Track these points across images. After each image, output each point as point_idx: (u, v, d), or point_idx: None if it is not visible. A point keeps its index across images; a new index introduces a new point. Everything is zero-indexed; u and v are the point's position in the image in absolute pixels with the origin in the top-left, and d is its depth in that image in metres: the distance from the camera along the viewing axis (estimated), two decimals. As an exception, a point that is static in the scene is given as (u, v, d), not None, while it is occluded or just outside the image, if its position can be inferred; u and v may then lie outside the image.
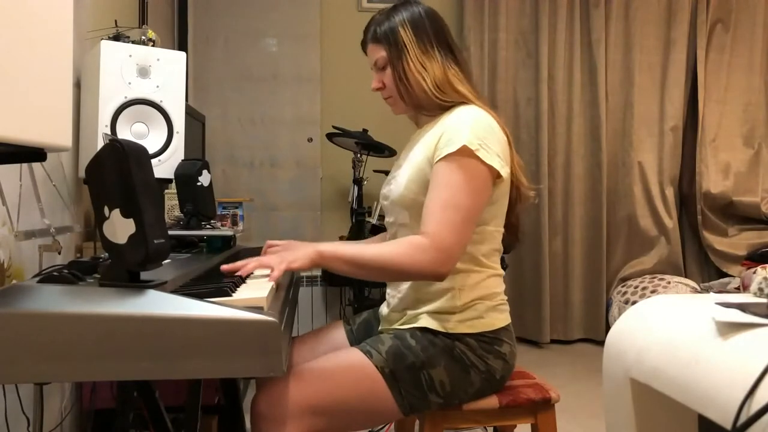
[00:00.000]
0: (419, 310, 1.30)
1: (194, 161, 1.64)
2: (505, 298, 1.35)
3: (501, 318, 1.31)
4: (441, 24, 1.35)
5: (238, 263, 1.14)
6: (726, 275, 3.63)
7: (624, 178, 3.72)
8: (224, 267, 1.13)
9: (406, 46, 1.30)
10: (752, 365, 0.66)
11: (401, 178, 1.32)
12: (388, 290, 1.42)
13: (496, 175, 1.23)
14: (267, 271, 1.23)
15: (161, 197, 1.80)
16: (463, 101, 1.30)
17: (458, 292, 1.27)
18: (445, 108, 1.32)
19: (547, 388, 1.36)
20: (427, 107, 1.33)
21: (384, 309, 1.45)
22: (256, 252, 1.69)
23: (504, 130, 1.29)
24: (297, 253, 1.15)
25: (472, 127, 1.22)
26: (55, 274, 0.90)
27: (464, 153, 1.19)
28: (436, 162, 1.22)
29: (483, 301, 1.29)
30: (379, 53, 1.34)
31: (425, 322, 1.27)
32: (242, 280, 1.12)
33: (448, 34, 1.35)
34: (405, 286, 1.34)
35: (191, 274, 1.15)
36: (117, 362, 0.79)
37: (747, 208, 3.68)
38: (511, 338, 1.33)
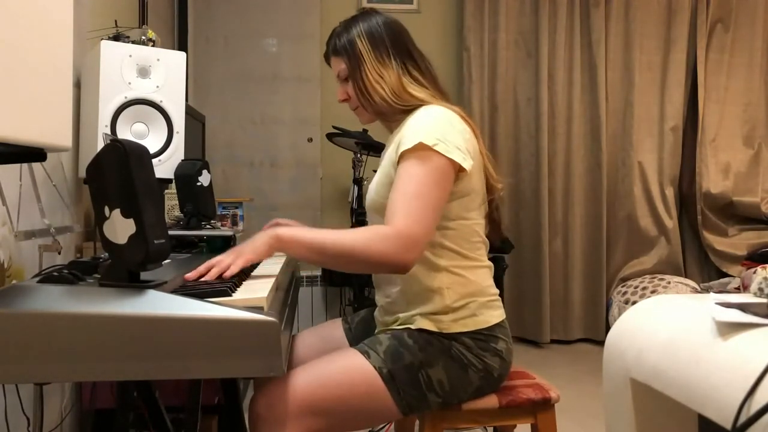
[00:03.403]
0: (411, 313, 1.30)
1: (194, 161, 1.64)
2: (497, 292, 1.35)
3: (495, 315, 1.31)
4: (399, 32, 1.38)
5: (201, 269, 1.09)
6: (726, 275, 3.63)
7: (624, 178, 3.72)
8: (188, 276, 1.06)
9: (362, 57, 1.34)
10: (752, 365, 0.66)
11: (373, 184, 1.35)
12: (377, 296, 1.42)
13: (459, 168, 1.23)
14: (268, 271, 1.24)
15: (161, 197, 1.80)
16: (423, 104, 1.32)
17: (447, 291, 1.27)
18: (407, 112, 1.34)
19: (547, 388, 1.36)
20: (389, 114, 1.36)
21: (377, 313, 1.45)
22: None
23: (468, 122, 1.31)
24: (255, 243, 1.14)
25: (428, 126, 1.23)
26: (55, 274, 0.90)
27: (421, 148, 1.20)
28: (399, 161, 1.23)
29: (475, 298, 1.29)
30: (340, 65, 1.38)
31: (420, 323, 1.27)
32: (242, 280, 1.12)
33: (409, 41, 1.39)
34: (394, 289, 1.33)
35: (191, 274, 1.14)
36: (117, 362, 0.79)
37: (747, 208, 3.68)
38: (507, 335, 1.33)
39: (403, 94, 1.32)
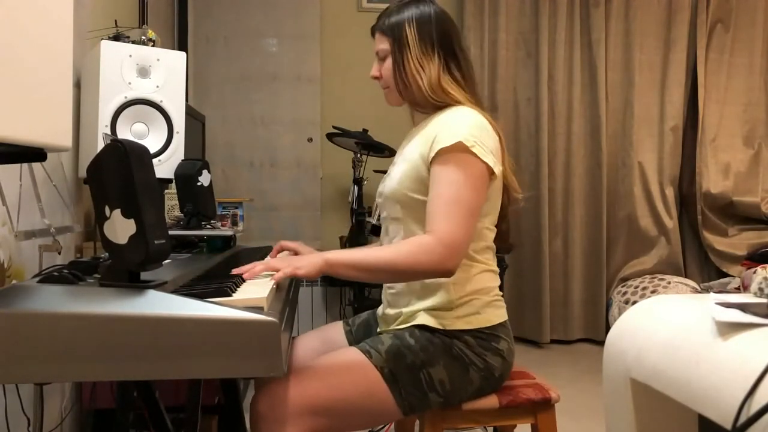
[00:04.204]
0: (414, 308, 1.31)
1: (194, 161, 1.64)
2: (501, 294, 1.36)
3: (498, 314, 1.32)
4: (448, 27, 1.37)
5: (246, 266, 1.14)
6: (726, 275, 3.63)
7: (624, 178, 3.72)
8: (235, 270, 1.14)
9: (408, 44, 1.34)
10: (752, 365, 0.66)
11: (395, 174, 1.35)
12: (382, 289, 1.43)
13: (490, 172, 1.24)
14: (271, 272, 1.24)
15: (161, 197, 1.80)
16: (455, 103, 1.33)
17: (452, 287, 1.28)
18: (438, 108, 1.35)
19: (547, 388, 1.36)
20: (421, 104, 1.37)
21: (380, 309, 1.46)
22: (256, 251, 1.69)
23: (497, 131, 1.32)
24: (304, 260, 1.15)
25: (467, 125, 1.25)
26: (55, 274, 0.90)
27: (460, 149, 1.21)
28: (434, 160, 1.23)
29: (479, 297, 1.30)
30: (383, 44, 1.38)
31: (422, 319, 1.28)
32: (242, 280, 1.12)
33: (455, 38, 1.38)
34: (400, 282, 1.35)
35: (191, 274, 1.15)
36: (117, 362, 0.79)
37: (747, 208, 3.68)
38: (509, 335, 1.33)
39: (438, 90, 1.33)
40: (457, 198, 1.19)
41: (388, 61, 1.37)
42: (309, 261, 1.14)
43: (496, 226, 1.38)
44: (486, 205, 1.29)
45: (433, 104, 1.34)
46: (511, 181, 1.36)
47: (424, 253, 1.16)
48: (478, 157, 1.21)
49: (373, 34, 1.42)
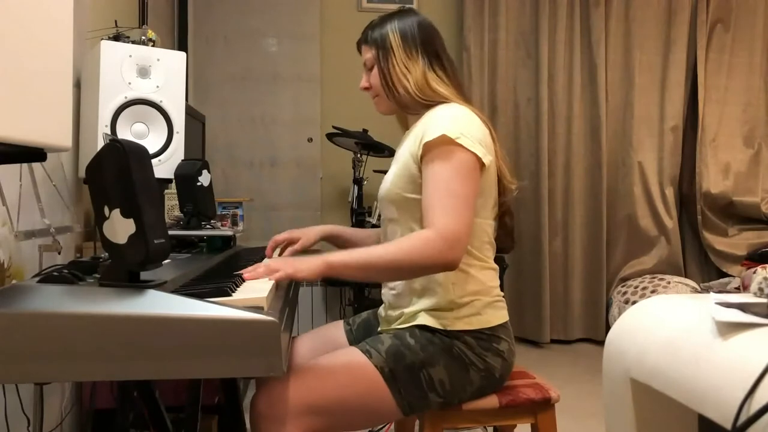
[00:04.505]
0: (415, 308, 1.31)
1: (194, 161, 1.64)
2: (502, 294, 1.36)
3: (498, 315, 1.32)
4: (430, 33, 1.41)
5: (249, 268, 1.14)
6: (726, 275, 3.63)
7: (624, 178, 3.72)
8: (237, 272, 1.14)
9: (392, 50, 1.37)
10: (752, 365, 0.66)
11: (389, 176, 1.37)
12: (382, 290, 1.43)
13: (481, 164, 1.25)
14: None
15: (161, 197, 1.80)
16: (444, 101, 1.35)
17: (452, 287, 1.28)
18: (428, 107, 1.36)
19: (547, 388, 1.36)
20: (411, 106, 1.39)
21: (381, 309, 1.46)
22: (256, 251, 1.69)
23: (486, 124, 1.33)
24: (304, 263, 1.14)
25: (451, 118, 1.27)
26: (55, 274, 0.90)
27: (445, 141, 1.22)
28: (423, 157, 1.25)
29: (480, 297, 1.29)
30: (369, 54, 1.41)
31: (423, 320, 1.28)
32: (242, 279, 1.12)
33: (438, 43, 1.41)
34: (399, 282, 1.35)
35: (191, 274, 1.15)
36: (117, 362, 0.79)
37: (747, 208, 3.68)
38: (510, 336, 1.33)
39: (425, 88, 1.35)
40: (450, 191, 1.20)
41: (375, 70, 1.40)
42: (309, 264, 1.14)
43: (500, 222, 1.38)
44: (479, 200, 1.29)
45: (422, 104, 1.36)
46: (503, 170, 1.37)
47: (425, 248, 1.16)
48: (465, 148, 1.22)
49: (359, 49, 1.46)
